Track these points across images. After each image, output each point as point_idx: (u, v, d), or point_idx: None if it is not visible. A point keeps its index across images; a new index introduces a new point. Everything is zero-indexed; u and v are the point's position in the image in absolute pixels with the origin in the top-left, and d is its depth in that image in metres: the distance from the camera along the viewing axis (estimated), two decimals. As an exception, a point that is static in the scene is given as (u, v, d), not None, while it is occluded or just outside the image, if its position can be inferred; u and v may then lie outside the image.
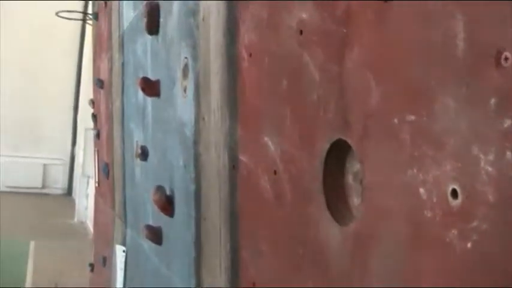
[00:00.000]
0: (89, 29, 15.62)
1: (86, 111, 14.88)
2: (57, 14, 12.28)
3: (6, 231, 11.72)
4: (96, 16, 5.29)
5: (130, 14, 3.48)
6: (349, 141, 1.10)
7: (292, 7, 1.31)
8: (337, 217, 1.15)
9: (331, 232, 1.16)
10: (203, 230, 2.05)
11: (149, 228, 2.67)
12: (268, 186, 1.47)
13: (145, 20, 2.67)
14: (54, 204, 17.08)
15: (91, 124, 12.28)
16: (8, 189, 18.29)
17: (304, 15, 1.26)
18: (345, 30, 1.11)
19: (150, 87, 2.62)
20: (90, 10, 13.72)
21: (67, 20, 13.12)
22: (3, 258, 9.29)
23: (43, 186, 18.92)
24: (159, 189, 2.42)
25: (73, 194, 18.08)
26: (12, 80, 18.73)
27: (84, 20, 13.96)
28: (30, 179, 18.66)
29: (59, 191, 18.98)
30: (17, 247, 10.11)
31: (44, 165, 18.93)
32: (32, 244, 10.29)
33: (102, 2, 4.64)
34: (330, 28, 1.16)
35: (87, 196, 12.92)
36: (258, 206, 1.55)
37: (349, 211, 1.15)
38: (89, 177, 12.64)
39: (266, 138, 1.47)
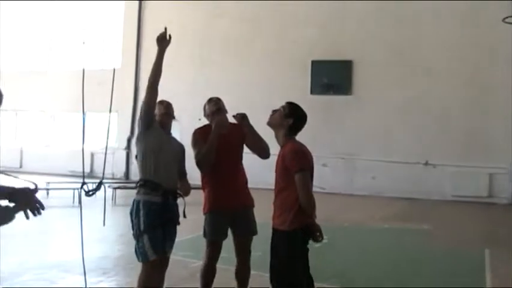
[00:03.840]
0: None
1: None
2: (504, 20, 12.16)
3: (457, 239, 12.09)
4: None
5: None
6: None
7: None
8: None
9: None
10: None
11: None
12: None
13: None
14: (502, 214, 16.88)
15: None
16: (454, 198, 18.77)
17: None
18: None
19: None
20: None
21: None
22: (459, 264, 9.60)
23: (489, 195, 18.87)
24: None
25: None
26: (460, 92, 19.24)
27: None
28: (477, 188, 18.81)
29: (505, 201, 18.67)
30: (471, 255, 10.32)
31: (490, 174, 18.87)
32: (487, 252, 10.38)
33: None
34: None
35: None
36: None
37: None
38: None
39: None
